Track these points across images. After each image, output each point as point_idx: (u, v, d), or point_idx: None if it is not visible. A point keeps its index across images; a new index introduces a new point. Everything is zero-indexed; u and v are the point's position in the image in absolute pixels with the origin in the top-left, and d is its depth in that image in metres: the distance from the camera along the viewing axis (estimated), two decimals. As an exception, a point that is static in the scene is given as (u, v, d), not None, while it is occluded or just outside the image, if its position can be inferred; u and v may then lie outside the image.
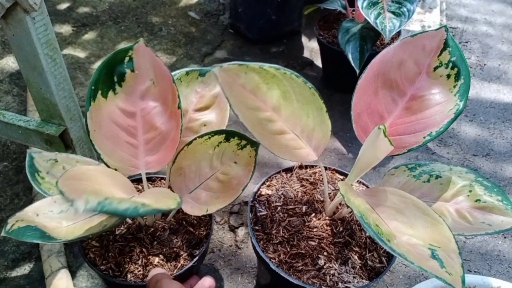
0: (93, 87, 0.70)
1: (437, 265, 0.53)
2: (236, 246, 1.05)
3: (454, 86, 0.70)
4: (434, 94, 0.71)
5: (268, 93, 0.76)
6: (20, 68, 0.91)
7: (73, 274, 0.96)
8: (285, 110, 0.75)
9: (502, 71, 1.65)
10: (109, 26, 1.83)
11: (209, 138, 0.77)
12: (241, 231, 1.08)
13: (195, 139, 0.77)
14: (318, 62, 1.66)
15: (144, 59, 0.73)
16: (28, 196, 1.13)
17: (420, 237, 0.58)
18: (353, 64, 1.24)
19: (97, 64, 1.62)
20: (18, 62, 0.89)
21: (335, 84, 1.56)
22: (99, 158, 0.72)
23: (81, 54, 1.67)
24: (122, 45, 1.72)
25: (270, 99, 0.75)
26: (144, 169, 0.76)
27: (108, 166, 0.72)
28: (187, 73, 0.86)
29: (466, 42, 1.83)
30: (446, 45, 0.71)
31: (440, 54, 0.71)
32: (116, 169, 0.73)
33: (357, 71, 1.23)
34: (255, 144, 0.77)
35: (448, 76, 0.70)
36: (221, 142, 0.78)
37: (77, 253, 1.01)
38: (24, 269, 0.98)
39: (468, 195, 0.69)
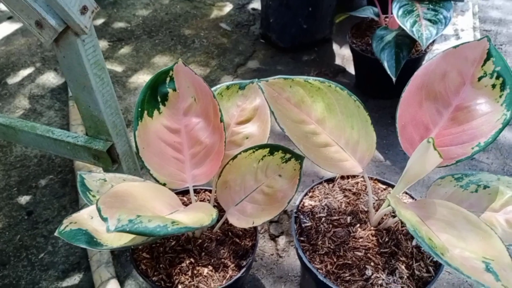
0: (139, 108, 0.73)
1: (492, 279, 0.53)
2: (277, 255, 1.07)
3: (500, 96, 0.69)
4: (480, 104, 0.71)
5: (313, 106, 0.77)
6: (69, 88, 0.95)
7: (121, 284, 0.99)
8: (329, 122, 0.77)
9: (541, 73, 1.61)
10: (144, 40, 1.89)
11: (253, 152, 0.79)
12: (282, 240, 1.10)
13: (239, 153, 0.79)
14: (351, 69, 1.66)
15: (184, 78, 0.76)
16: (74, 208, 1.18)
17: (472, 250, 0.58)
18: (389, 72, 1.24)
19: (133, 78, 1.67)
20: (68, 82, 0.93)
21: (369, 91, 1.55)
22: (146, 170, 0.75)
23: (118, 68, 1.73)
24: (157, 59, 1.77)
25: (315, 112, 0.77)
26: (191, 182, 0.78)
27: (158, 181, 0.75)
28: (228, 87, 0.88)
29: (501, 45, 1.79)
30: (489, 55, 0.71)
31: (484, 64, 0.71)
32: (165, 184, 0.76)
33: (394, 79, 1.23)
34: (299, 158, 0.79)
35: (493, 86, 0.70)
36: (265, 155, 0.80)
37: (124, 263, 1.04)
38: (75, 279, 1.02)
39: (518, 205, 0.69)
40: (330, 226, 0.82)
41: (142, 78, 1.66)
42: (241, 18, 2.01)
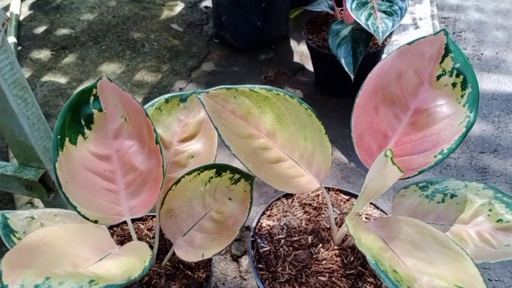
0: (59, 136, 0.63)
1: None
2: (240, 277, 0.99)
3: (462, 96, 0.63)
4: (440, 106, 0.64)
5: (261, 118, 0.69)
6: (-11, 112, 0.84)
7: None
8: (280, 135, 0.69)
9: (500, 60, 1.58)
10: (90, 46, 1.76)
11: (199, 174, 0.71)
12: (245, 260, 1.01)
13: (183, 176, 0.71)
14: (310, 67, 1.59)
15: (111, 96, 0.66)
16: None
17: (442, 276, 0.52)
18: (346, 69, 1.17)
19: (79, 89, 1.55)
20: (-14, 106, 0.82)
21: (329, 89, 1.49)
22: (76, 211, 0.65)
23: (62, 79, 1.60)
24: (104, 66, 1.65)
25: (264, 124, 0.69)
26: (129, 215, 0.69)
27: (88, 218, 0.65)
28: (167, 100, 0.79)
29: (460, 32, 1.76)
30: (447, 50, 0.64)
31: (442, 61, 0.65)
32: (96, 220, 0.66)
33: (352, 76, 1.17)
34: (249, 178, 0.70)
35: (454, 85, 0.64)
36: (212, 177, 0.71)
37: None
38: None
39: (489, 215, 0.63)
40: (291, 248, 0.74)
41: (88, 89, 1.54)
42: (194, 17, 1.91)
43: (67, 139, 0.64)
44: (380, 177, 0.58)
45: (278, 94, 0.69)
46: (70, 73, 1.63)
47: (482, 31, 1.76)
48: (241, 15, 1.62)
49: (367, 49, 1.20)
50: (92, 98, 0.67)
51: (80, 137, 0.66)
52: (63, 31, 1.86)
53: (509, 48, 1.65)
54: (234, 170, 0.71)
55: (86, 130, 0.66)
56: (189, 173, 0.71)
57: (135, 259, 0.55)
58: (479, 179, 1.17)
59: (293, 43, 1.75)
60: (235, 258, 1.02)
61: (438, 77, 0.65)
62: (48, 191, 0.91)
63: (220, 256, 1.02)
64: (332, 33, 1.25)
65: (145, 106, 0.79)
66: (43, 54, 1.73)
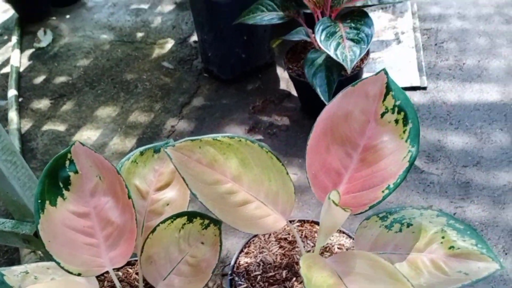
0: (39, 200, 0.69)
1: None
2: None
3: (404, 131, 0.67)
4: (386, 142, 0.68)
5: (226, 163, 0.74)
6: (-17, 176, 0.91)
7: None
8: (245, 178, 0.74)
9: (482, 68, 1.61)
10: (86, 92, 1.85)
11: (172, 222, 0.76)
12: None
13: (158, 225, 0.76)
14: (295, 93, 1.64)
15: (85, 158, 0.72)
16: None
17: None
18: (322, 98, 1.22)
19: (77, 136, 1.63)
20: (-21, 171, 0.89)
21: (316, 113, 1.51)
22: (59, 267, 0.71)
23: (61, 127, 1.68)
24: (100, 111, 1.73)
25: (229, 169, 0.74)
26: (110, 266, 0.74)
27: (71, 273, 0.71)
28: (141, 153, 0.85)
29: (442, 43, 1.79)
30: (388, 88, 0.69)
31: (384, 99, 0.69)
32: (79, 274, 0.71)
33: (326, 103, 1.21)
34: (217, 223, 0.75)
35: (396, 121, 0.68)
36: (184, 224, 0.76)
37: None
38: None
39: (442, 242, 0.66)
40: (266, 284, 0.78)
41: (86, 135, 1.62)
42: (183, 53, 1.99)
43: (47, 202, 0.71)
44: (330, 217, 0.62)
45: (240, 140, 0.74)
46: (68, 120, 1.72)
47: (464, 39, 1.79)
48: (225, 49, 1.69)
49: (340, 76, 1.25)
50: (67, 162, 0.73)
51: (59, 199, 0.72)
52: (61, 78, 1.96)
53: (491, 54, 1.68)
54: (203, 216, 0.76)
55: (64, 192, 0.72)
56: (163, 222, 0.76)
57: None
58: (462, 194, 1.19)
59: (279, 70, 1.80)
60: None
61: (382, 115, 0.69)
62: (44, 243, 0.97)
63: (212, 290, 1.07)
64: (307, 62, 1.30)
65: (122, 160, 0.85)
66: (43, 104, 1.82)
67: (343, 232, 0.86)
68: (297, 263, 0.80)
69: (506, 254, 1.05)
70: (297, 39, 1.48)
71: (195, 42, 2.06)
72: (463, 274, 0.62)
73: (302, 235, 0.86)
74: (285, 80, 1.74)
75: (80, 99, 1.82)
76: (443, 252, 0.65)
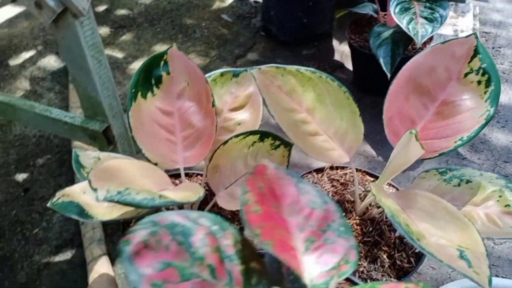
0: (133, 90, 0.75)
1: (465, 265, 0.55)
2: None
3: (485, 92, 0.71)
4: (465, 100, 0.72)
5: (304, 95, 0.79)
6: (68, 69, 0.97)
7: (112, 262, 1.01)
8: (319, 113, 0.79)
9: (536, 77, 1.62)
10: (145, 28, 1.90)
11: (244, 138, 0.81)
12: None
13: (230, 138, 0.81)
14: (349, 65, 1.68)
15: (178, 62, 0.78)
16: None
17: (449, 239, 0.60)
18: (384, 69, 1.25)
19: (134, 65, 1.69)
20: (67, 63, 0.95)
21: (366, 87, 1.57)
22: (141, 153, 0.77)
23: (119, 54, 1.74)
24: (158, 47, 1.78)
25: (305, 101, 0.79)
26: (182, 164, 0.80)
27: (149, 161, 0.77)
28: (222, 74, 0.90)
29: (500, 48, 1.80)
30: (476, 52, 0.73)
31: (470, 61, 0.73)
32: (156, 164, 0.78)
33: (389, 75, 1.25)
34: (288, 145, 0.80)
35: (479, 82, 0.72)
36: (255, 142, 0.81)
37: (116, 241, 1.07)
38: (67, 255, 1.04)
39: (498, 200, 0.71)
40: (316, 213, 0.84)
41: (142, 65, 1.68)
42: (243, 10, 2.02)
43: (139, 93, 0.76)
44: (404, 153, 0.67)
45: (321, 76, 0.79)
46: (126, 50, 1.77)
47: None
48: (289, 11, 1.72)
49: (405, 52, 1.28)
50: (162, 62, 0.79)
51: (149, 94, 0.78)
52: (122, 11, 2.01)
53: (547, 68, 1.69)
54: (275, 137, 0.81)
55: (155, 89, 0.78)
56: (236, 136, 0.81)
57: (190, 192, 0.66)
58: (499, 184, 1.23)
59: (335, 42, 1.83)
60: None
61: (466, 75, 0.73)
62: (109, 143, 1.03)
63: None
64: (374, 34, 1.33)
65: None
66: (103, 31, 1.88)
67: (393, 186, 0.91)
68: (348, 202, 0.85)
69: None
70: (363, 12, 1.51)
71: (255, 1, 2.09)
72: (515, 230, 0.67)
73: (353, 180, 0.91)
74: (339, 52, 1.77)
75: (139, 33, 1.87)
76: (498, 209, 0.70)
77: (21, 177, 1.23)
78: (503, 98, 1.53)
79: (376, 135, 1.38)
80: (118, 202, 0.56)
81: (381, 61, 1.26)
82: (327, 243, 0.45)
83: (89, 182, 0.57)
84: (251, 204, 0.45)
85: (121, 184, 0.59)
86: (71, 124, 1.04)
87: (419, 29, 1.19)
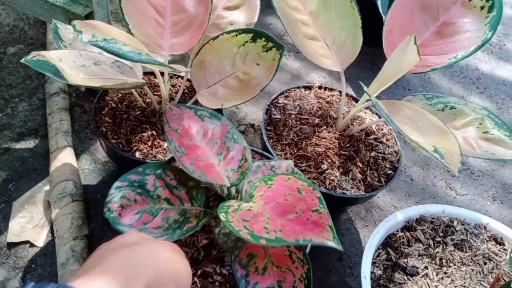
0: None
1: (438, 157, 0.56)
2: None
3: (486, 17, 0.71)
4: (466, 22, 0.72)
5: (310, -3, 0.77)
6: None
7: (77, 157, 0.98)
8: (321, 18, 0.77)
9: (520, 54, 1.65)
10: None
11: (236, 35, 0.78)
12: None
13: (222, 34, 0.78)
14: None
15: None
16: (40, 80, 1.14)
17: (427, 140, 0.61)
18: (380, 10, 1.24)
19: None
20: None
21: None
22: (127, 28, 0.73)
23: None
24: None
25: (310, 3, 0.76)
26: (168, 51, 0.76)
27: (134, 36, 0.73)
28: (223, -32, 0.85)
29: (491, 21, 1.82)
30: (484, -22, 0.72)
31: (477, -14, 0.72)
32: (142, 41, 0.74)
33: (384, 17, 1.23)
34: (281, 48, 0.78)
35: (482, 7, 0.71)
36: (247, 41, 0.78)
37: (83, 138, 1.03)
38: (29, 143, 0.99)
39: (478, 127, 0.72)
40: (298, 122, 0.83)
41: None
42: None
43: (133, -37, 0.71)
44: (399, 60, 0.66)
45: (330, -19, 0.76)
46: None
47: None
48: None
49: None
50: None
51: (144, -33, 0.73)
52: None
53: (531, 47, 1.72)
54: (269, 38, 0.78)
55: (150, -38, 0.73)
56: (228, 32, 0.78)
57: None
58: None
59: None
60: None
61: (470, -1, 0.72)
62: (89, 31, 0.98)
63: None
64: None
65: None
66: None
67: (376, 114, 0.91)
68: (330, 117, 0.85)
69: (494, 200, 1.14)
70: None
71: None
72: (489, 153, 0.68)
73: (339, 101, 0.91)
74: None
75: None
76: (476, 134, 0.71)
77: (-12, 62, 1.16)
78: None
79: (360, 80, 1.38)
80: (104, 49, 0.52)
81: (379, 2, 1.24)
82: (230, 151, 0.62)
83: (74, 26, 0.53)
84: (178, 148, 0.58)
85: (109, 36, 0.55)
86: (52, 4, 0.97)
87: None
